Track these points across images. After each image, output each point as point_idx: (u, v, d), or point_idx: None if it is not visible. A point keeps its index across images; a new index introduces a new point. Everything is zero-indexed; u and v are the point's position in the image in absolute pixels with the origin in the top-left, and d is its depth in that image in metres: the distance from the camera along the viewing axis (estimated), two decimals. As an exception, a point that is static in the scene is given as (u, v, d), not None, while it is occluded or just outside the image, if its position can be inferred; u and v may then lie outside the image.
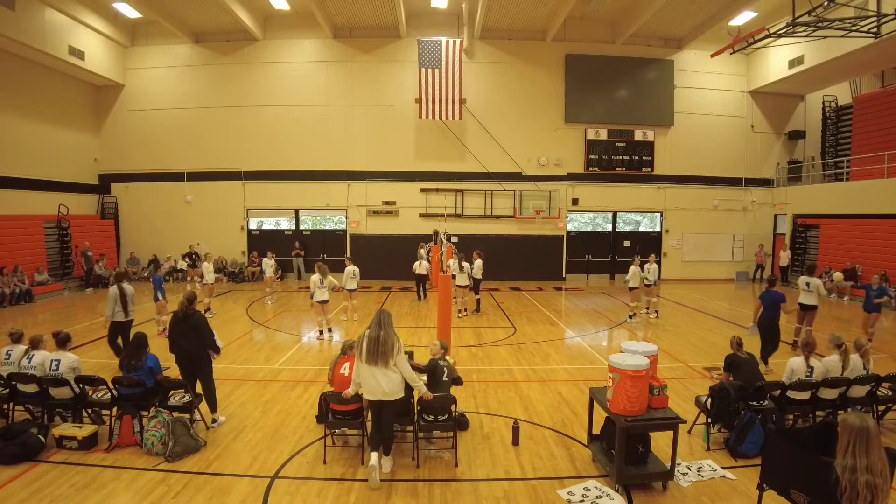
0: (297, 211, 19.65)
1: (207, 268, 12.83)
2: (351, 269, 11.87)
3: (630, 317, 12.33)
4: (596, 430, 5.30)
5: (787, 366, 5.80)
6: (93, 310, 13.33)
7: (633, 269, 12.17)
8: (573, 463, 5.23)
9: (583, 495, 4.57)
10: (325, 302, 10.15)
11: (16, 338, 6.11)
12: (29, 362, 5.67)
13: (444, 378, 5.37)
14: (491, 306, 14.27)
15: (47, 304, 14.27)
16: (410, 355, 5.98)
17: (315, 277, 10.03)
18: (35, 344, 5.86)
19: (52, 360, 5.68)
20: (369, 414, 5.12)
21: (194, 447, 5.33)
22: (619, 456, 4.55)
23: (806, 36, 13.79)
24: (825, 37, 13.59)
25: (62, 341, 5.87)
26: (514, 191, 19.07)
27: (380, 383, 4.76)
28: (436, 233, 14.86)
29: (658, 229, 20.14)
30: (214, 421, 5.96)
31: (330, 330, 10.48)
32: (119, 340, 8.05)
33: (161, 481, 4.76)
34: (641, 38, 18.70)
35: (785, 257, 18.64)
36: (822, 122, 19.95)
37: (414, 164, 19.07)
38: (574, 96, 18.99)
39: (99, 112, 19.20)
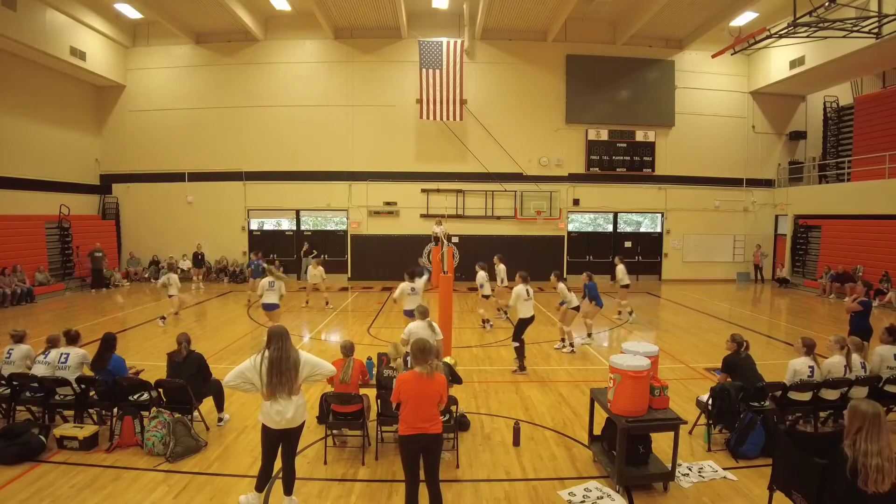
0: (298, 211, 19.66)
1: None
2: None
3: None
4: (597, 431, 5.31)
5: (790, 366, 5.77)
6: (94, 310, 13.35)
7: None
8: (574, 463, 5.23)
9: (583, 496, 4.57)
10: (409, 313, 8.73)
11: (17, 338, 6.22)
12: (45, 357, 5.89)
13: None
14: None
15: (48, 304, 14.26)
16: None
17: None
18: (53, 342, 6.08)
19: (61, 354, 5.91)
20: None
21: (195, 447, 5.34)
22: (620, 457, 4.54)
23: (807, 36, 13.79)
24: (826, 37, 13.58)
25: (73, 338, 6.14)
26: (515, 191, 19.06)
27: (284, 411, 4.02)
28: (436, 231, 14.84)
29: (659, 230, 20.12)
30: (220, 420, 6.10)
31: None
32: None
33: (162, 481, 4.78)
34: (642, 39, 18.69)
35: None
36: (824, 123, 19.90)
37: (415, 165, 19.07)
38: (575, 97, 18.98)
39: (100, 112, 19.21)
